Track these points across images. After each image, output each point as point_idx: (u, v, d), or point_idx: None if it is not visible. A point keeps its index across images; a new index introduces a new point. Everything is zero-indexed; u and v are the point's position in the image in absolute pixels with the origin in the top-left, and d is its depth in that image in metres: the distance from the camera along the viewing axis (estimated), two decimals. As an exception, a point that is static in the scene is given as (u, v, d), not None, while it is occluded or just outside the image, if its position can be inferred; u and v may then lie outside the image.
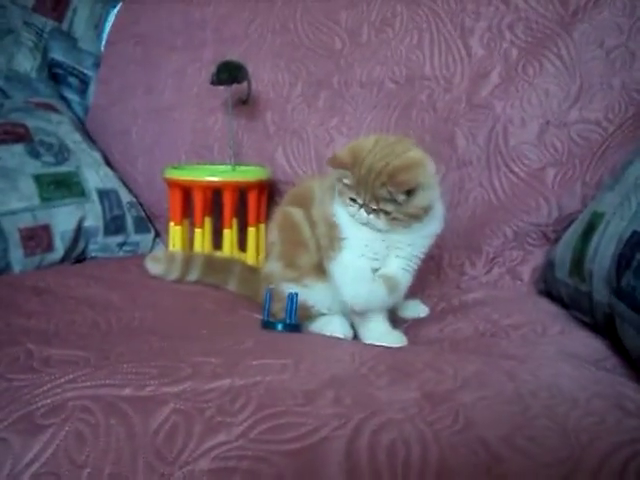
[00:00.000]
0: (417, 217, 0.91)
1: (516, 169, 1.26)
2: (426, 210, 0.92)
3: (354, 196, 0.92)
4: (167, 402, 0.62)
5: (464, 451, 0.53)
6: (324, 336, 0.94)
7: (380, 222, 0.91)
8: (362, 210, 0.92)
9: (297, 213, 1.02)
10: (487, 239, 1.27)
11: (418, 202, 0.90)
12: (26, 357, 0.76)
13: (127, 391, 0.65)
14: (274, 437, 0.56)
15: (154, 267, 1.24)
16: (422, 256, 0.99)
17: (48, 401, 0.66)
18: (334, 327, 0.98)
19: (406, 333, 0.99)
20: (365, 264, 0.95)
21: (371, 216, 0.91)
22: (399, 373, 0.69)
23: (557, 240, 1.22)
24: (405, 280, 0.97)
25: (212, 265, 1.24)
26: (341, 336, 0.96)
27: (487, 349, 0.85)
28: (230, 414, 0.59)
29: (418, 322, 1.05)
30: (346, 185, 0.92)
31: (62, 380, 0.68)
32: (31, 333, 0.85)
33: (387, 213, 0.90)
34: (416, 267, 0.99)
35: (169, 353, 0.75)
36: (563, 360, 0.78)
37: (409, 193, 0.88)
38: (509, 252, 1.27)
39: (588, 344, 0.88)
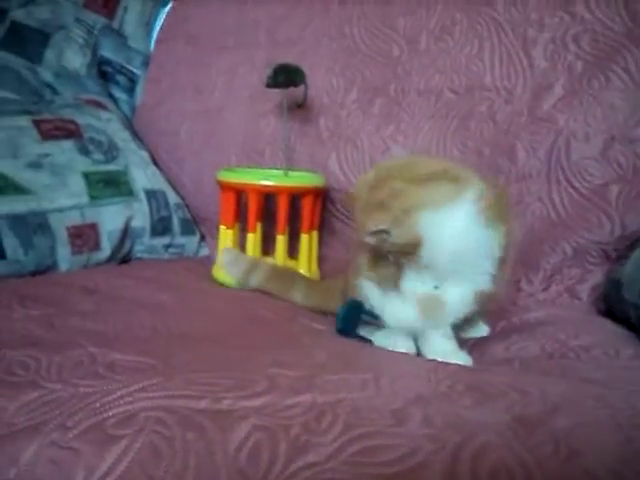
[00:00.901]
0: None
1: (577, 184, 1.22)
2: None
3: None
4: (247, 417, 0.59)
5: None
6: (389, 350, 0.90)
7: None
8: None
9: None
10: (545, 256, 1.24)
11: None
12: (90, 361, 0.73)
13: (203, 404, 0.62)
14: (367, 460, 0.53)
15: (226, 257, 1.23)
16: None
17: (120, 410, 0.63)
18: (396, 341, 0.94)
19: (470, 352, 0.96)
20: None
21: None
22: (481, 394, 0.66)
23: (618, 259, 1.19)
24: (454, 301, 0.87)
25: (277, 273, 1.22)
26: (404, 351, 0.92)
27: (561, 371, 0.81)
28: (317, 433, 0.56)
29: (481, 340, 1.01)
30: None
31: (132, 389, 0.66)
32: (90, 335, 0.83)
33: None
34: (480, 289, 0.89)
35: (239, 363, 0.72)
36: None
37: None
38: (568, 270, 1.23)
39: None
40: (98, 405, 0.64)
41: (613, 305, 1.11)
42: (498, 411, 0.61)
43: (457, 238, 0.79)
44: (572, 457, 0.53)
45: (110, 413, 0.63)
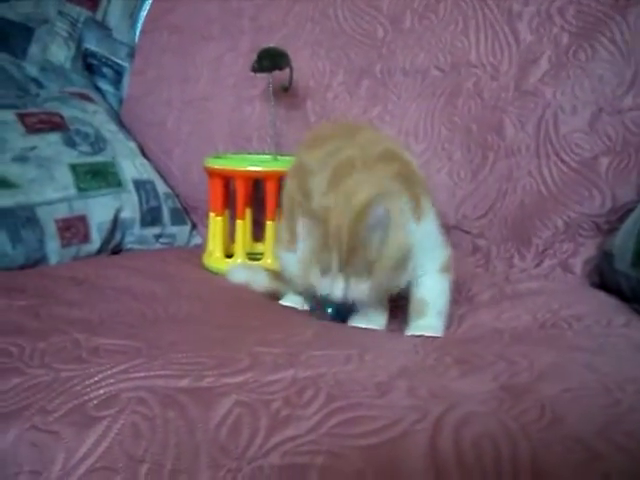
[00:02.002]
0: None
1: (567, 158, 1.21)
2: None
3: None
4: (228, 394, 0.58)
5: (558, 448, 0.49)
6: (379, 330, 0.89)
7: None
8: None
9: None
10: (537, 230, 1.23)
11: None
12: (73, 347, 0.73)
13: (184, 382, 0.61)
14: (349, 431, 0.52)
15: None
16: None
17: (100, 392, 0.62)
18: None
19: (460, 321, 0.94)
20: None
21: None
22: (469, 365, 0.65)
23: (610, 231, 1.18)
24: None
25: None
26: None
27: (553, 340, 0.80)
28: (298, 407, 0.56)
29: (472, 309, 1.00)
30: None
31: (114, 370, 0.65)
32: (75, 323, 0.82)
33: None
34: None
35: (224, 343, 0.71)
36: (637, 353, 0.74)
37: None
38: (560, 244, 1.22)
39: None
40: (79, 388, 0.64)
41: (605, 277, 1.10)
42: (484, 381, 0.61)
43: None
44: (557, 422, 0.52)
45: (91, 395, 0.62)
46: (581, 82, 1.21)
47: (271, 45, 1.35)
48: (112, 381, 0.63)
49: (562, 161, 1.21)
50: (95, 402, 0.61)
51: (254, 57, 1.30)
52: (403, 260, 0.82)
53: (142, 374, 0.64)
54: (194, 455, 0.54)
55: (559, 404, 0.54)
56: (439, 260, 0.92)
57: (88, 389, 0.63)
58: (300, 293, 1.03)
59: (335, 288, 0.81)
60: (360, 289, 0.81)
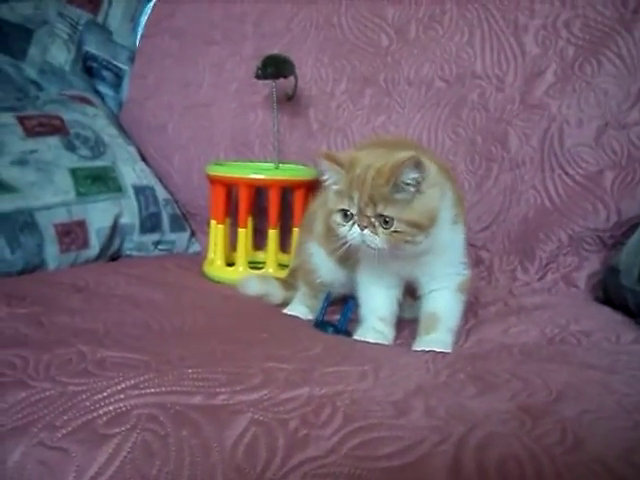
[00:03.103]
0: (422, 227, 0.78)
1: (572, 172, 1.21)
2: (432, 218, 0.79)
3: (345, 205, 0.80)
4: (243, 412, 0.57)
5: (582, 470, 0.48)
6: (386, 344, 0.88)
7: (378, 239, 0.78)
8: (355, 226, 0.79)
9: None
10: (540, 244, 1.23)
11: (425, 202, 0.78)
12: (79, 359, 0.71)
13: (197, 399, 0.60)
14: (369, 453, 0.51)
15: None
16: None
17: (110, 408, 0.61)
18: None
19: (467, 336, 0.94)
20: None
21: (366, 232, 0.78)
22: (483, 382, 0.64)
23: (614, 246, 1.18)
24: None
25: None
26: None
27: (564, 357, 0.79)
28: (316, 426, 0.54)
29: (479, 322, 0.99)
30: (338, 193, 0.82)
31: (124, 385, 0.64)
32: (79, 333, 0.80)
33: (386, 223, 0.78)
34: None
35: (233, 358, 0.70)
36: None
37: (417, 188, 0.78)
38: (563, 258, 1.22)
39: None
40: (88, 403, 0.62)
41: (611, 292, 1.10)
42: (502, 400, 0.60)
43: None
44: (579, 445, 0.51)
45: (101, 411, 0.61)
46: (587, 96, 1.21)
47: (275, 52, 1.34)
48: (122, 397, 0.62)
49: (567, 174, 1.21)
50: (105, 419, 0.59)
51: (258, 63, 1.28)
52: (427, 219, 0.79)
53: (152, 390, 0.62)
54: (210, 476, 0.52)
55: (580, 426, 0.54)
56: (458, 279, 0.91)
57: (97, 405, 0.61)
58: (316, 288, 1.04)
59: (352, 232, 0.80)
60: (376, 238, 0.78)
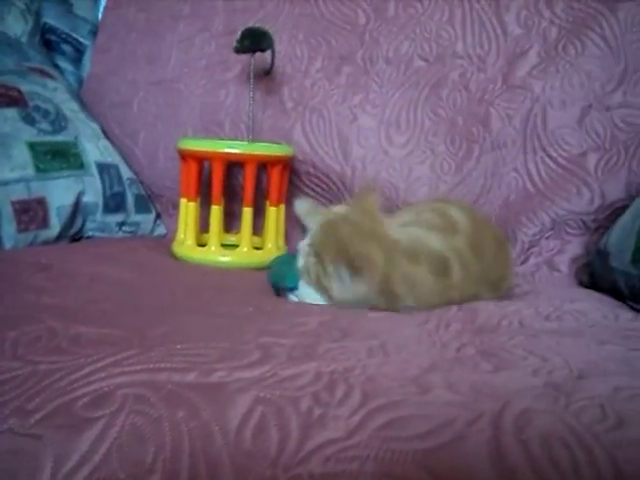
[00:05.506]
0: None
1: (554, 154, 1.19)
2: None
3: None
4: (246, 390, 0.51)
5: (632, 451, 0.44)
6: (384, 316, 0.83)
7: None
8: None
9: None
10: (522, 227, 1.20)
11: None
12: (50, 335, 0.64)
13: (191, 377, 0.53)
14: (397, 433, 0.46)
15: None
16: None
17: (90, 389, 0.53)
18: None
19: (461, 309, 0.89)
20: None
21: None
22: (497, 359, 0.60)
23: (597, 230, 1.15)
24: None
25: None
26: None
27: (571, 332, 0.75)
28: (332, 405, 0.49)
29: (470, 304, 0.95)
30: None
31: (104, 363, 0.57)
32: (48, 309, 0.73)
33: None
34: None
35: (223, 333, 0.64)
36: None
37: None
38: (546, 241, 1.19)
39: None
40: (64, 384, 0.54)
41: (598, 276, 1.07)
42: (525, 376, 0.55)
43: None
44: (623, 425, 0.47)
45: (79, 392, 0.53)
46: (570, 77, 1.19)
47: (255, 25, 1.28)
48: (103, 375, 0.55)
49: (549, 157, 1.19)
50: (85, 400, 0.52)
51: (230, 39, 1.22)
52: None
53: (138, 367, 0.56)
54: (216, 463, 0.46)
55: (617, 404, 0.49)
56: None
57: (75, 385, 0.54)
58: None
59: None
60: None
